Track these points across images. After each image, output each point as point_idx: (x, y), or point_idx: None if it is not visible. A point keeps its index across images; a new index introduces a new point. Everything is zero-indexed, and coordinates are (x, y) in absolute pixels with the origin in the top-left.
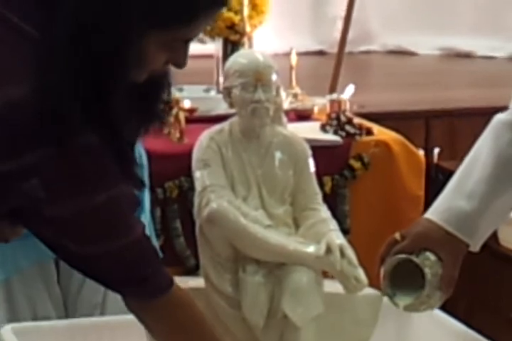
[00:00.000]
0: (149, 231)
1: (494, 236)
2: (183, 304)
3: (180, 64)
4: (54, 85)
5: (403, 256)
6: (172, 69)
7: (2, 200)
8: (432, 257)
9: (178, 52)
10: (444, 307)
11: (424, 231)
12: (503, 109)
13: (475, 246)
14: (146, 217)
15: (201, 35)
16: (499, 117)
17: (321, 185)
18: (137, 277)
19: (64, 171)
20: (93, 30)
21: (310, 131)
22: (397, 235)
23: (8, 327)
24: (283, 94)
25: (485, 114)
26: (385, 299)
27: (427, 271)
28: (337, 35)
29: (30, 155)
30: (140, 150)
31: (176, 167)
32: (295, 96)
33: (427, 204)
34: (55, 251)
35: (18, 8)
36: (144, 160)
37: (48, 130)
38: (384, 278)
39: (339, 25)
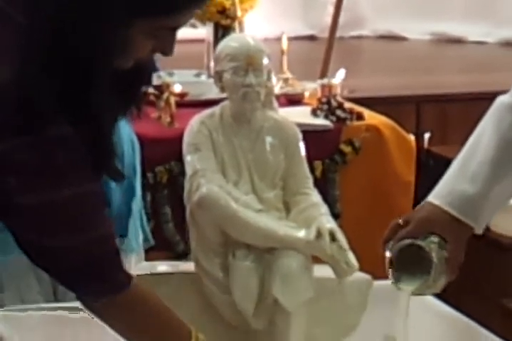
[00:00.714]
0: (141, 216)
1: None
2: (141, 300)
3: (167, 52)
4: (34, 73)
5: (409, 241)
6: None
7: None
8: (437, 241)
9: (165, 40)
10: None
11: (428, 215)
12: (494, 93)
13: (479, 229)
14: (137, 204)
15: (192, 20)
16: (501, 99)
17: (312, 169)
18: (98, 273)
19: (35, 161)
20: (77, 18)
21: (301, 115)
22: (400, 220)
23: None
24: (274, 78)
25: (476, 99)
26: (375, 284)
27: (433, 255)
28: (328, 19)
29: (4, 143)
30: (132, 137)
31: (166, 151)
32: (286, 80)
33: (417, 189)
34: (21, 244)
35: None
36: (136, 147)
37: (24, 118)
38: (389, 264)
39: (330, 9)
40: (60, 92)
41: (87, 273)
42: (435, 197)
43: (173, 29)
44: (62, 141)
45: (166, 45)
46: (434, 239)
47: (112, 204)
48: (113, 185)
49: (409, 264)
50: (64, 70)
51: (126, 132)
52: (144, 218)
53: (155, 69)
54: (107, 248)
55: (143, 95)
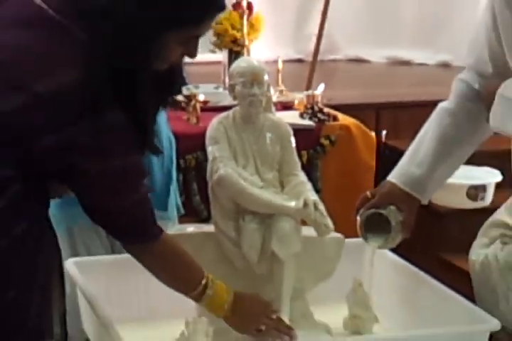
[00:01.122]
0: (175, 195)
1: None
2: (171, 245)
3: (193, 55)
4: (95, 74)
5: (374, 210)
6: (190, 71)
7: (52, 164)
8: (395, 209)
9: (190, 46)
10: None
11: (388, 191)
12: (434, 102)
13: (425, 201)
14: (174, 186)
15: (212, 47)
16: (442, 105)
17: (300, 157)
18: (140, 226)
19: (96, 139)
20: (127, 34)
21: (292, 117)
22: (368, 193)
23: (70, 261)
24: (272, 90)
25: (420, 106)
26: (346, 241)
27: (392, 219)
28: (312, 47)
29: (72, 127)
30: (170, 136)
31: (193, 144)
32: (281, 92)
33: (377, 171)
34: (84, 207)
35: (72, 17)
36: (173, 143)
37: (89, 107)
38: (360, 227)
39: (313, 40)
40: (114, 88)
41: (132, 227)
42: (393, 177)
43: (197, 37)
44: (116, 124)
45: (192, 50)
46: (393, 208)
47: (155, 187)
48: (155, 172)
49: (375, 226)
50: (118, 71)
51: (165, 132)
52: (178, 196)
53: (185, 83)
54: (146, 208)
55: (177, 91)
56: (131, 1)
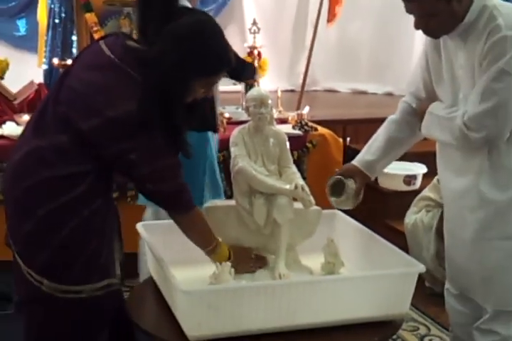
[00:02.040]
0: (218, 177)
1: (376, 180)
2: (198, 216)
3: (209, 94)
4: (146, 106)
5: (338, 177)
6: (221, 97)
7: (117, 163)
8: (351, 181)
9: (208, 89)
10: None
11: (351, 168)
12: (381, 119)
13: (372, 178)
14: (217, 174)
15: (235, 82)
16: (390, 117)
17: (292, 155)
18: (179, 202)
19: (148, 148)
20: (169, 80)
21: (287, 128)
22: (337, 169)
23: (139, 224)
24: (274, 110)
25: (372, 122)
26: (323, 212)
27: (348, 186)
28: (300, 81)
29: (132, 140)
30: (212, 142)
31: (222, 146)
32: (279, 111)
33: (344, 164)
34: (140, 189)
35: (132, 65)
36: (215, 145)
37: (141, 127)
38: (328, 188)
39: (301, 77)
40: (160, 115)
41: (176, 203)
42: (355, 161)
43: (212, 83)
44: (159, 138)
45: (209, 91)
46: (351, 179)
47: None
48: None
49: (336, 190)
50: (162, 104)
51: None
52: (221, 184)
53: (215, 106)
54: (184, 190)
55: (199, 117)
56: (173, 57)
